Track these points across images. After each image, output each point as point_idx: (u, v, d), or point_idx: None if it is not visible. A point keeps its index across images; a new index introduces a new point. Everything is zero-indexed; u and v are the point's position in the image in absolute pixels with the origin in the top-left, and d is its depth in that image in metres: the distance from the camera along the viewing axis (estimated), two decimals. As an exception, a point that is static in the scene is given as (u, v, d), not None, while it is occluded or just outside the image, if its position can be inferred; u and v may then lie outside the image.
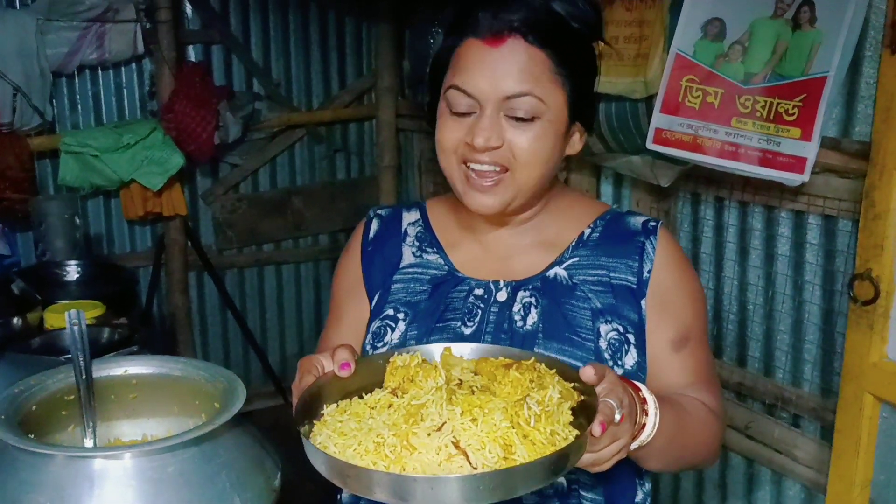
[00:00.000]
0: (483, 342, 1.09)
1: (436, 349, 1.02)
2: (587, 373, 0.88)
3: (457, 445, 0.81)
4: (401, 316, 1.15)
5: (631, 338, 1.10)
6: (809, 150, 1.81)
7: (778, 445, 2.10)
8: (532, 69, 1.03)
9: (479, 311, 1.12)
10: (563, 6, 1.05)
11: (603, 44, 1.14)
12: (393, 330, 1.15)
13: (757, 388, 2.17)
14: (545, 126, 1.05)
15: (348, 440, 0.85)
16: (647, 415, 0.95)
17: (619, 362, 1.08)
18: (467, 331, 1.11)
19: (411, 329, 1.13)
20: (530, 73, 1.02)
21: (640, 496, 1.15)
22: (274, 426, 1.11)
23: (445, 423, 0.83)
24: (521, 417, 0.84)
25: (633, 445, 0.94)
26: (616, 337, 1.09)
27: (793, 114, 1.83)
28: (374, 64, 3.77)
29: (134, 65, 3.33)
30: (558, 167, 1.12)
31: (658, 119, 2.03)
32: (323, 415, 0.93)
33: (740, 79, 1.91)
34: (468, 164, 1.06)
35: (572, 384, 0.91)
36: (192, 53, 3.45)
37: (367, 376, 0.99)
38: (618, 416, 0.86)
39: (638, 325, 1.10)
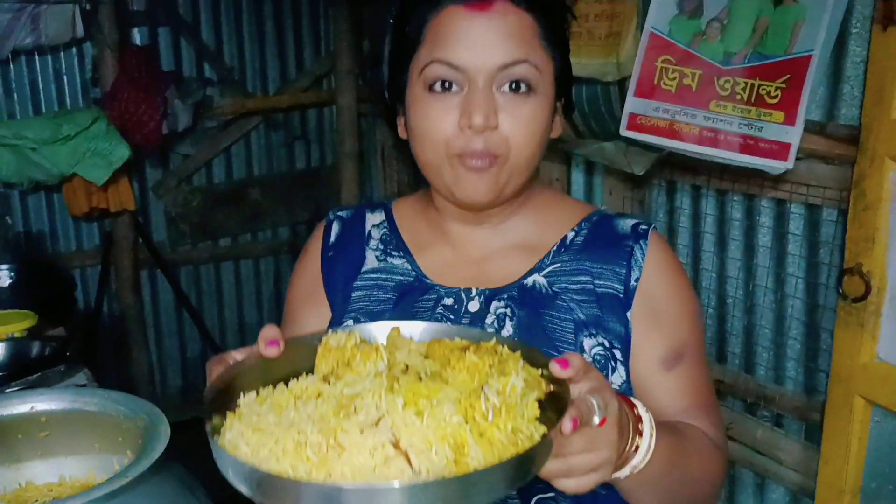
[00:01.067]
0: None
1: (380, 329, 0.88)
2: (555, 368, 0.73)
3: (396, 445, 0.67)
4: None
5: (617, 354, 0.98)
6: (793, 135, 1.69)
7: (760, 447, 2.01)
8: (524, 33, 0.94)
9: (449, 323, 1.00)
10: None
11: (573, 21, 1.05)
12: None
13: (737, 386, 2.08)
14: (540, 101, 0.95)
15: (264, 437, 0.70)
16: (641, 435, 0.82)
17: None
18: None
19: None
20: (523, 38, 0.94)
21: None
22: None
23: (383, 417, 0.70)
24: (477, 411, 0.70)
25: (625, 472, 0.81)
26: (601, 352, 0.98)
27: (775, 96, 1.71)
28: (333, 46, 3.64)
29: (74, 49, 3.19)
30: (544, 151, 1.00)
31: (632, 103, 1.91)
32: (239, 405, 0.77)
33: (719, 59, 1.79)
34: (461, 156, 0.94)
35: (541, 371, 0.77)
36: (136, 36, 3.32)
37: (298, 362, 0.83)
38: (597, 419, 0.73)
39: (624, 338, 0.99)
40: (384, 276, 1.07)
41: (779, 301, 1.99)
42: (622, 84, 1.99)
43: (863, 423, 1.61)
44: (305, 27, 3.63)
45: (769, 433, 2.00)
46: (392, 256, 1.08)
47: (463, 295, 1.02)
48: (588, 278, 1.01)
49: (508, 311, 1.00)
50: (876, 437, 1.60)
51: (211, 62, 3.44)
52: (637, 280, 1.00)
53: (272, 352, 0.81)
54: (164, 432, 0.97)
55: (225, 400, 0.78)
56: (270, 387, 0.80)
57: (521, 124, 0.94)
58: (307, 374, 0.82)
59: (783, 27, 1.70)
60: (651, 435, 0.82)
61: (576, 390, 0.73)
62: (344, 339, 0.84)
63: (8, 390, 1.12)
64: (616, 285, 1.00)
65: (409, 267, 1.06)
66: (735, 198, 2.04)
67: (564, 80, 1.01)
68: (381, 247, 1.10)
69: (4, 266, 2.45)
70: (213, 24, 3.43)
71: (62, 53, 3.17)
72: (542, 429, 0.71)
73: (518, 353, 0.79)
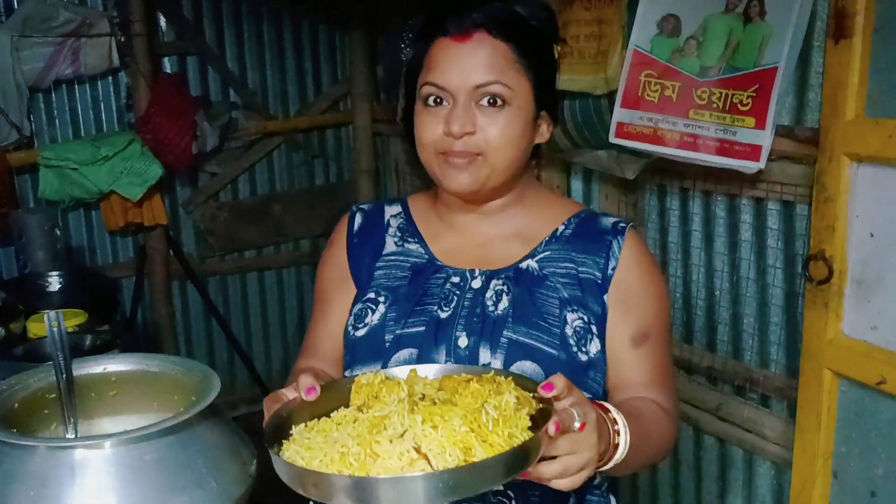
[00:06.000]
0: (456, 325, 1.15)
1: (401, 372, 1.06)
2: (542, 391, 0.90)
3: (418, 450, 0.84)
4: (381, 299, 1.20)
5: (594, 329, 1.15)
6: (764, 139, 1.88)
7: (748, 425, 2.17)
8: (497, 60, 1.11)
9: (455, 297, 1.17)
10: (522, 8, 1.15)
11: (562, 45, 1.23)
12: (373, 312, 1.20)
13: (726, 371, 2.24)
14: (515, 112, 1.12)
15: (315, 453, 0.88)
16: (619, 435, 0.99)
17: (584, 349, 1.14)
18: (443, 315, 1.16)
19: (391, 311, 1.18)
20: (496, 64, 1.11)
21: (597, 479, 1.19)
22: (260, 431, 1.15)
23: (407, 430, 0.86)
24: (480, 422, 0.87)
25: (609, 466, 0.99)
26: (581, 325, 1.15)
27: (747, 104, 1.90)
28: (349, 70, 3.83)
29: (110, 78, 3.36)
30: (528, 152, 1.18)
31: (619, 114, 2.10)
32: (292, 434, 0.95)
33: (696, 72, 1.97)
34: (445, 154, 1.13)
35: (532, 394, 0.94)
36: (167, 65, 3.48)
37: (336, 399, 1.02)
38: (577, 425, 0.89)
39: (600, 317, 1.16)
40: (402, 258, 1.24)
41: (761, 290, 2.15)
42: (610, 97, 2.17)
43: (831, 394, 1.77)
44: (323, 54, 3.79)
45: (755, 412, 2.16)
46: (408, 242, 1.26)
47: (468, 274, 1.19)
48: (572, 265, 1.18)
49: (505, 288, 1.17)
50: (843, 405, 1.76)
51: (236, 87, 3.59)
52: (614, 269, 1.17)
53: (312, 396, 0.99)
54: (216, 384, 1.14)
55: (281, 432, 0.97)
56: (317, 419, 0.98)
57: (496, 130, 1.12)
58: (345, 407, 1.00)
59: (752, 43, 1.89)
60: (626, 432, 1.00)
61: (560, 405, 0.91)
62: (372, 377, 1.02)
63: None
64: (596, 272, 1.17)
65: (423, 251, 1.24)
66: (719, 198, 2.21)
67: (547, 94, 1.17)
68: (399, 234, 1.27)
69: (55, 273, 2.66)
70: (238, 53, 3.60)
71: (99, 82, 3.33)
72: (532, 434, 0.88)
73: (510, 379, 0.96)
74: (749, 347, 2.20)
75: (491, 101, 1.11)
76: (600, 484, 1.21)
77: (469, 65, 1.11)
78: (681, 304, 2.36)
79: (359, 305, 1.22)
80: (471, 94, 1.11)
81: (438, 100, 1.13)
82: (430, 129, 1.14)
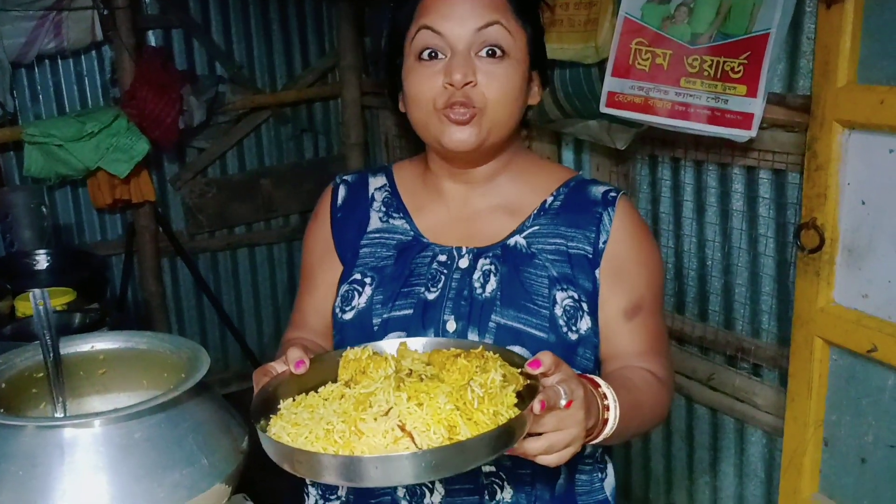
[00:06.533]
0: (444, 307, 1.13)
1: (389, 345, 1.06)
2: (528, 368, 0.90)
3: (402, 428, 0.84)
4: (368, 280, 1.18)
5: (585, 306, 1.13)
6: (756, 107, 1.86)
7: (739, 394, 2.18)
8: (496, 4, 1.09)
9: (443, 278, 1.15)
10: None
11: (547, 10, 1.20)
12: (360, 294, 1.18)
13: (718, 341, 2.24)
14: (513, 65, 1.09)
15: (300, 429, 0.88)
16: (608, 410, 0.98)
17: (574, 328, 1.12)
18: (431, 296, 1.14)
19: (377, 294, 1.16)
20: (495, 7, 1.08)
21: (588, 448, 1.19)
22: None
23: (392, 408, 0.87)
24: (466, 400, 0.87)
25: (599, 440, 0.98)
26: (571, 304, 1.12)
27: (738, 71, 1.88)
28: (336, 42, 3.78)
29: (94, 52, 3.32)
30: (523, 112, 1.15)
31: (610, 83, 2.07)
32: (280, 409, 0.96)
33: (687, 39, 1.95)
34: (445, 109, 1.08)
35: (519, 370, 0.94)
36: (151, 38, 3.44)
37: (324, 372, 1.02)
38: (563, 402, 0.88)
39: (592, 293, 1.13)
40: (387, 235, 1.21)
41: (752, 260, 2.15)
42: (601, 66, 2.15)
43: (822, 362, 1.77)
44: (310, 26, 3.74)
45: (747, 381, 2.16)
46: (393, 217, 1.22)
47: (454, 253, 1.16)
48: (562, 241, 1.15)
49: (493, 267, 1.14)
50: (834, 373, 1.76)
51: (222, 61, 3.55)
52: (605, 242, 1.14)
53: (301, 370, 0.99)
54: (206, 360, 1.13)
55: (269, 405, 0.97)
56: (304, 394, 0.98)
57: (496, 83, 1.08)
58: (332, 382, 1.00)
59: (743, 9, 1.86)
60: (616, 406, 0.99)
61: (548, 382, 0.90)
62: (360, 352, 1.02)
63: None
64: (586, 247, 1.14)
65: (408, 227, 1.20)
66: (710, 167, 2.20)
67: (539, 53, 1.15)
68: (384, 209, 1.23)
69: (42, 251, 2.63)
70: (223, 26, 3.55)
71: (83, 57, 3.29)
72: (518, 412, 0.88)
73: (497, 355, 0.96)
74: (741, 317, 2.20)
75: (490, 51, 1.08)
76: (592, 453, 1.21)
77: (466, 11, 1.08)
78: (672, 275, 2.36)
79: (345, 287, 1.19)
80: (471, 42, 1.07)
81: (433, 53, 1.08)
82: (426, 83, 1.08)
